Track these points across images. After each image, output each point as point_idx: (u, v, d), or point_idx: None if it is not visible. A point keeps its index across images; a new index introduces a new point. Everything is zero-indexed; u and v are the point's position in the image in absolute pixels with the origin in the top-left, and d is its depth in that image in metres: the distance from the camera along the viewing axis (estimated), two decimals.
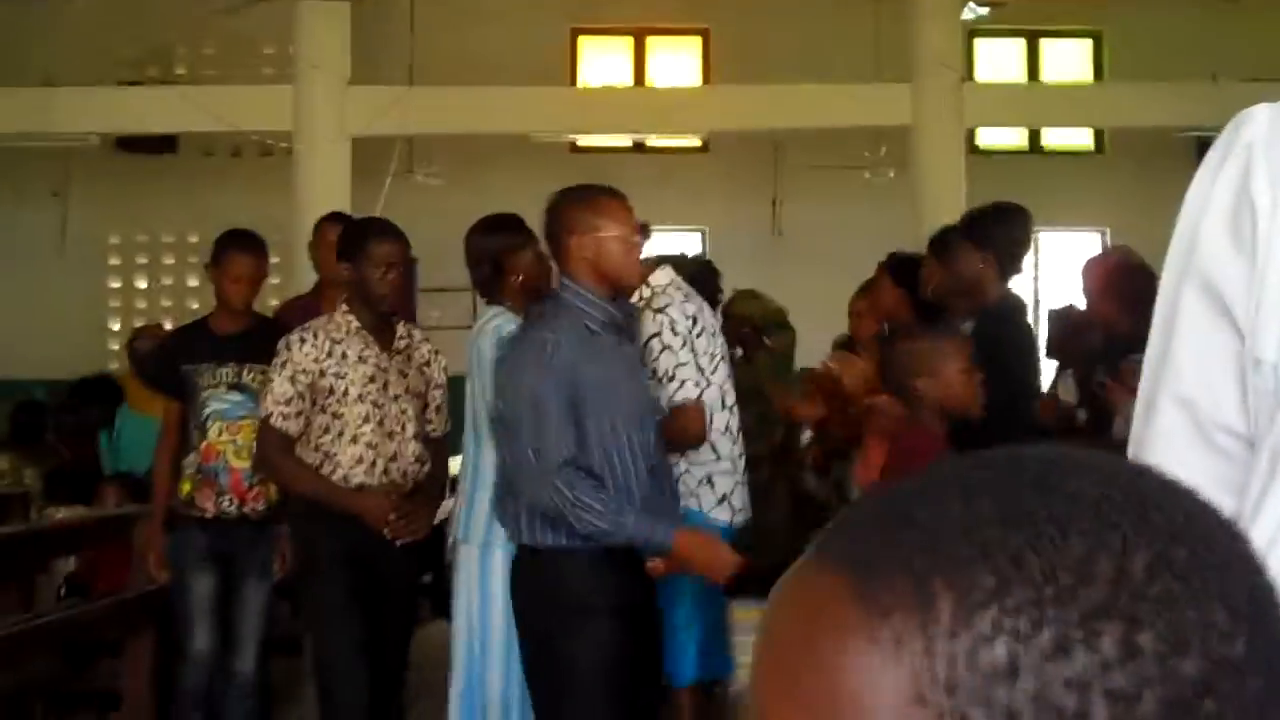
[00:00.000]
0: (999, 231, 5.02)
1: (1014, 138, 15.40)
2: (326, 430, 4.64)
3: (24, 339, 13.57)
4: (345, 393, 4.64)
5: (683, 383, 4.47)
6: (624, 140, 15.09)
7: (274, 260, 14.80)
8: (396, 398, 4.72)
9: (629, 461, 3.87)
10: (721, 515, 4.59)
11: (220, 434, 5.18)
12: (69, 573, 6.69)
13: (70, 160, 14.23)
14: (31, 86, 12.22)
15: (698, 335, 4.53)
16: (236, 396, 5.21)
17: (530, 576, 3.89)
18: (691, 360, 4.49)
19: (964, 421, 4.60)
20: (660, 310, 4.55)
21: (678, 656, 4.62)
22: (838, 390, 5.93)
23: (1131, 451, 1.46)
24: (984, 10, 10.38)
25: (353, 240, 4.74)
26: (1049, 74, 15.52)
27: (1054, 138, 15.55)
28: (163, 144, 14.31)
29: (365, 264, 4.61)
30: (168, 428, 5.36)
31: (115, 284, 15.27)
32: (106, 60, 13.91)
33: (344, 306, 4.74)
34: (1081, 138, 15.60)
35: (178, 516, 5.26)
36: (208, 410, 5.20)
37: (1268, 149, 1.34)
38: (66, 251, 14.71)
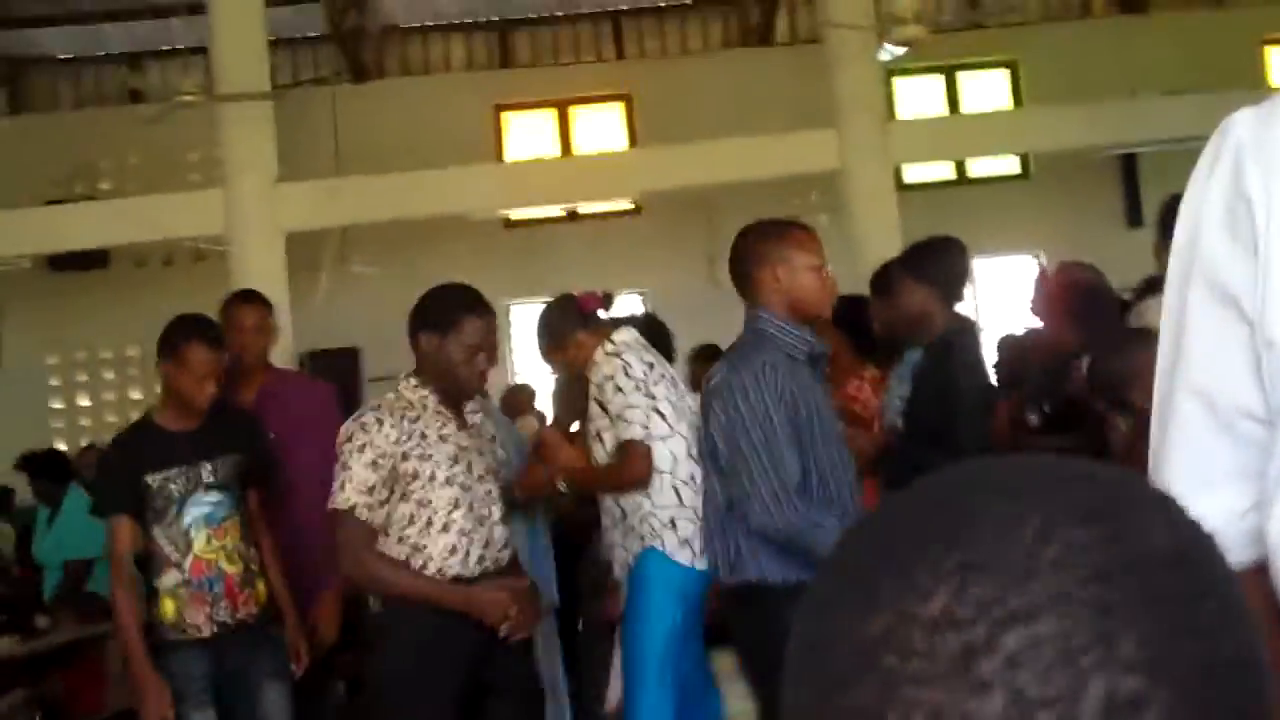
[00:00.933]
0: (936, 263, 5.06)
1: (941, 171, 15.56)
2: (411, 520, 4.09)
3: None
4: (432, 477, 4.09)
5: (629, 424, 4.49)
6: (557, 210, 15.15)
7: None
8: (481, 478, 4.23)
9: (843, 485, 3.88)
10: (682, 557, 4.57)
11: (209, 541, 4.59)
12: (40, 697, 6.60)
13: (1, 284, 14.14)
14: None
15: (655, 382, 4.54)
16: (216, 496, 4.62)
17: (759, 614, 3.77)
18: (642, 404, 4.50)
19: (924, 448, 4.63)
20: (617, 355, 4.58)
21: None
22: None
23: (1152, 449, 1.52)
24: (900, 51, 10.48)
25: (443, 313, 4.20)
26: (969, 106, 15.73)
27: (980, 167, 15.73)
28: (94, 260, 14.21)
29: (454, 343, 4.12)
30: (119, 556, 4.57)
31: (57, 405, 15.16)
32: (31, 181, 13.86)
33: (413, 381, 4.19)
34: (1007, 165, 15.78)
35: (163, 644, 4.57)
36: (189, 518, 4.57)
37: (1255, 147, 1.40)
38: (4, 376, 14.60)
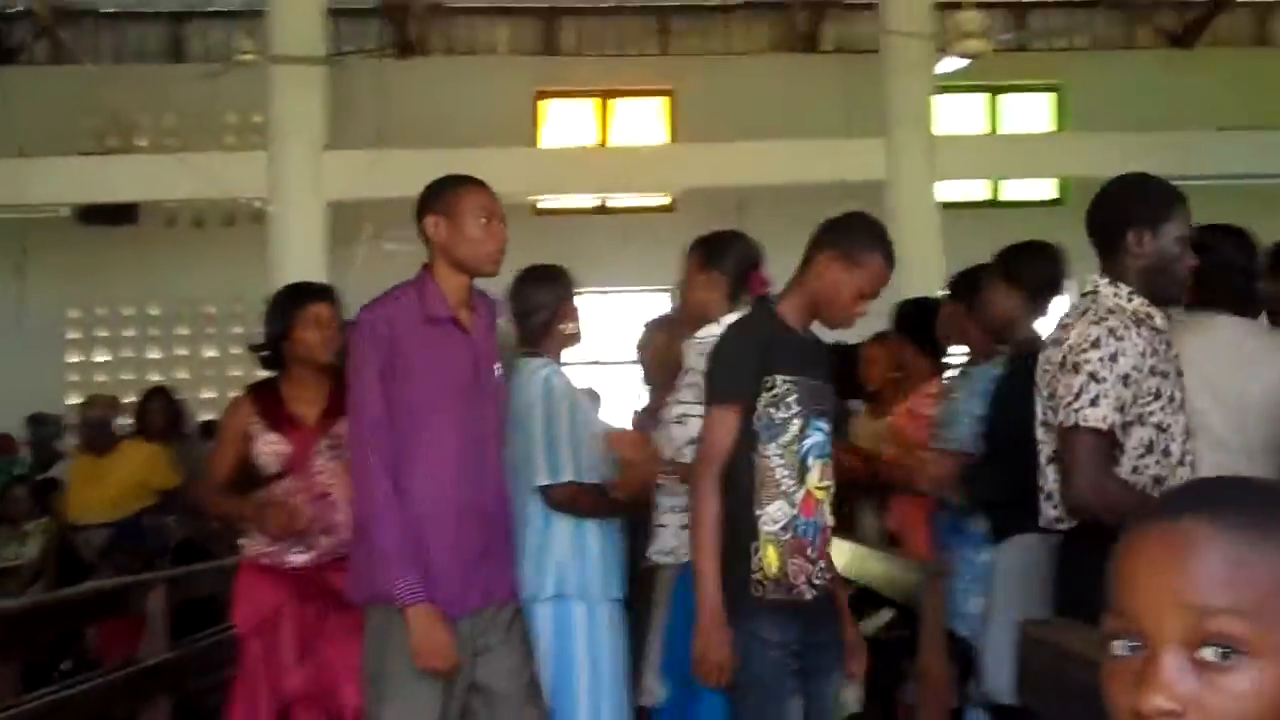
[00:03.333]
0: (1032, 268, 4.93)
1: (975, 192, 15.52)
2: (1149, 448, 3.40)
3: None
4: (1171, 398, 3.43)
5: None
6: (587, 202, 15.11)
7: (238, 331, 14.72)
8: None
9: None
10: None
11: (821, 478, 3.73)
12: (74, 647, 6.54)
13: (29, 233, 14.08)
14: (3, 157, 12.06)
15: None
16: (826, 425, 3.77)
17: None
18: None
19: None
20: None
21: None
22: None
23: None
24: (962, 63, 10.45)
25: (1155, 204, 3.60)
26: (1009, 127, 15.71)
27: (1015, 190, 15.70)
28: (123, 215, 14.16)
29: (1168, 234, 3.49)
30: (718, 452, 3.63)
31: (74, 358, 15.09)
32: (66, 132, 13.81)
33: (1121, 288, 3.48)
34: (1043, 190, 15.75)
35: (761, 604, 3.63)
36: (809, 441, 3.71)
37: None
38: (24, 326, 14.51)
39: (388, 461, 3.72)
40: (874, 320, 6.42)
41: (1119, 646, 1.19)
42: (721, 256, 4.43)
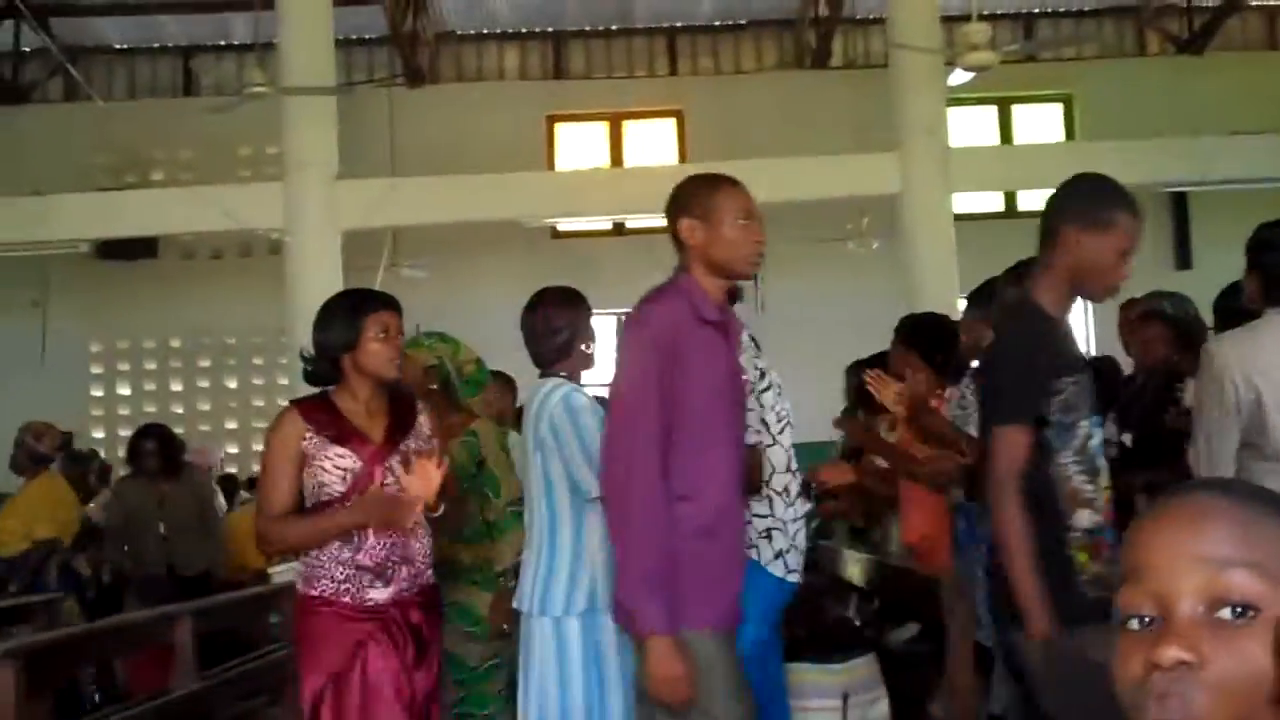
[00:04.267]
0: None
1: (991, 203, 15.51)
2: None
3: (4, 451, 13.32)
4: None
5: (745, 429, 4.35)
6: (605, 224, 15.14)
7: (258, 362, 14.77)
8: None
9: None
10: (776, 570, 4.47)
11: (1108, 480, 3.48)
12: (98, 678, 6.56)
13: (49, 269, 14.19)
14: (21, 195, 12.11)
15: (764, 389, 4.44)
16: (1101, 419, 3.53)
17: None
18: (756, 409, 4.38)
19: None
20: None
21: None
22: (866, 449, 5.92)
23: None
24: (969, 76, 10.44)
25: None
26: (1021, 138, 15.72)
27: (1030, 201, 15.68)
28: (142, 250, 14.26)
29: None
30: (1012, 472, 3.32)
31: (98, 392, 15.18)
32: (83, 169, 13.94)
33: None
34: None
35: (1083, 603, 3.31)
36: (1098, 440, 3.48)
37: None
38: (47, 361, 14.63)
39: (660, 477, 3.37)
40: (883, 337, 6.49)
41: (1133, 622, 1.19)
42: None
